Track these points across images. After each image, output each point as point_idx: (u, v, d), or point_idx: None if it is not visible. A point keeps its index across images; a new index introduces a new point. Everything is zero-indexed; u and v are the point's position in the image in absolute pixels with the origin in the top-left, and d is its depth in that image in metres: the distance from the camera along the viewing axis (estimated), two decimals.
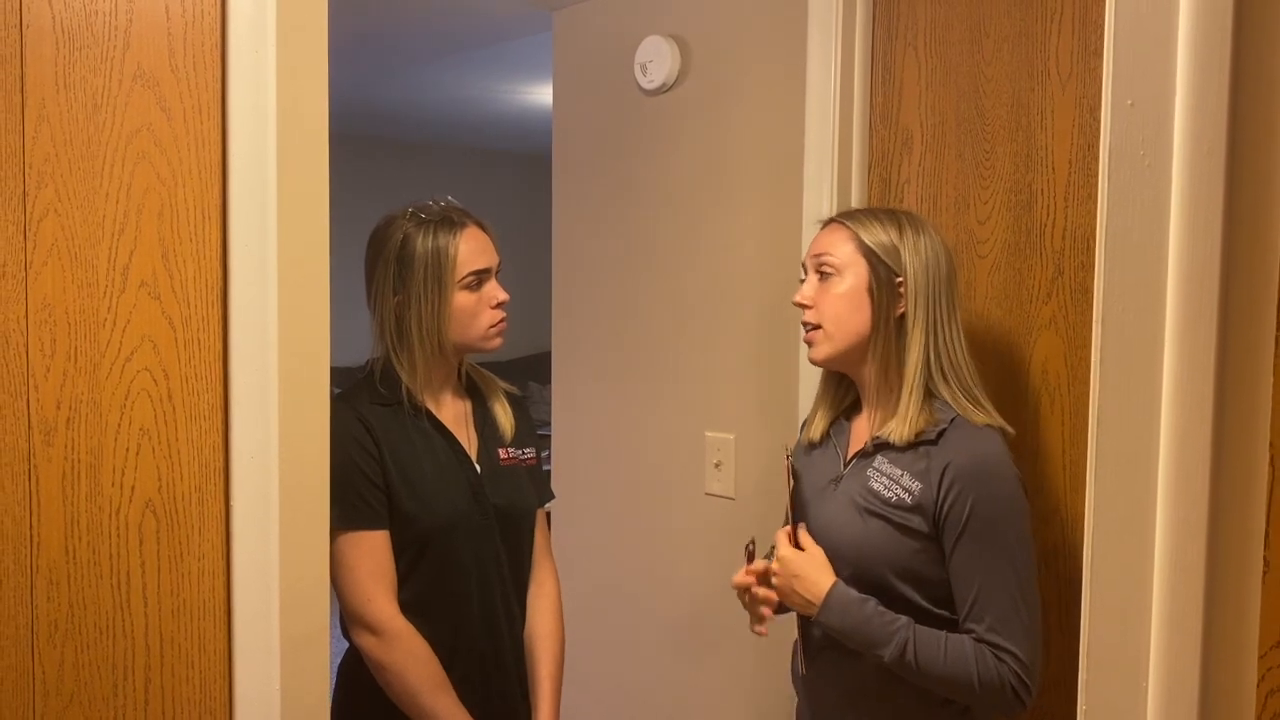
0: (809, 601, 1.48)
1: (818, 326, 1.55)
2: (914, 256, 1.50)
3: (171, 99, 1.23)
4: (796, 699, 1.72)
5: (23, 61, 1.16)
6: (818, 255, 1.55)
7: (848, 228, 1.54)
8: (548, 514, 1.91)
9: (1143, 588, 0.79)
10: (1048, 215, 1.69)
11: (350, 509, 1.60)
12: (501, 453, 1.77)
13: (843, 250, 1.52)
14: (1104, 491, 0.81)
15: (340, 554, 1.60)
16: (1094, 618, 0.82)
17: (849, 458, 1.59)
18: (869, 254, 1.51)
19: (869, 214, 1.56)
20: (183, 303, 1.25)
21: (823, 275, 1.54)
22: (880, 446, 1.52)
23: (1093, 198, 1.63)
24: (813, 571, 1.48)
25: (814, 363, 1.59)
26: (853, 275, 1.51)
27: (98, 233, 1.20)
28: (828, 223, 1.60)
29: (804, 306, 1.56)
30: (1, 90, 1.15)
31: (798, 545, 1.55)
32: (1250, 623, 0.76)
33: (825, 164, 1.93)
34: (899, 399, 1.50)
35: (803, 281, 1.59)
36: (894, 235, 1.51)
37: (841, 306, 1.52)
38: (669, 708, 2.34)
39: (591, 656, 2.44)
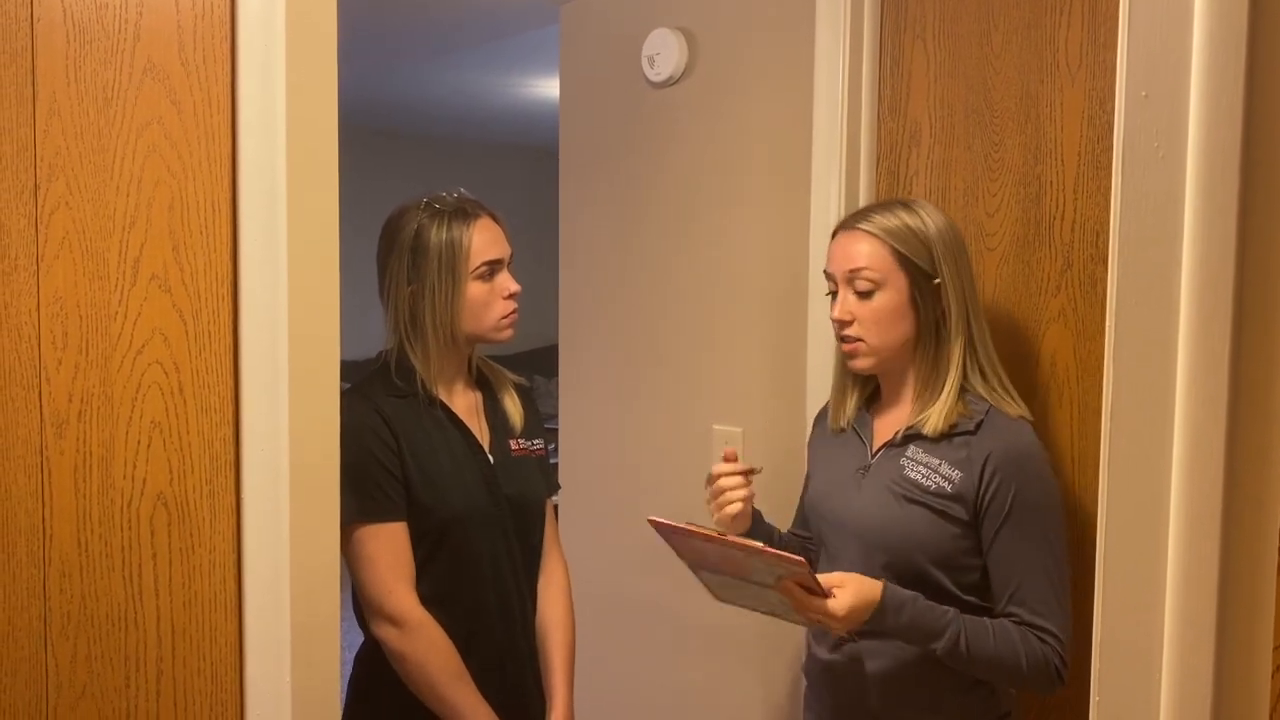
0: (866, 618, 1.42)
1: (859, 339, 1.53)
2: (945, 254, 1.49)
3: (181, 92, 1.23)
4: (805, 685, 1.72)
5: (34, 54, 1.16)
6: (854, 271, 1.51)
7: (877, 237, 1.51)
8: (555, 506, 1.92)
9: (1156, 579, 0.79)
10: (1057, 208, 1.69)
11: (369, 501, 1.60)
12: (512, 444, 1.78)
13: (880, 264, 1.50)
14: (1117, 483, 0.81)
15: (359, 546, 1.61)
16: (1107, 608, 0.82)
17: (876, 448, 1.59)
18: (907, 264, 1.50)
19: (888, 215, 1.52)
20: (193, 296, 1.25)
21: (858, 288, 1.52)
22: (912, 437, 1.53)
23: (1102, 190, 1.63)
24: (861, 594, 1.40)
25: (858, 371, 1.59)
26: (894, 288, 1.50)
27: (109, 226, 1.21)
28: (850, 229, 1.55)
29: (844, 322, 1.54)
30: (13, 84, 1.15)
31: (823, 592, 1.39)
32: (1264, 613, 0.76)
33: (833, 156, 1.92)
34: (940, 393, 1.51)
35: (831, 293, 1.57)
36: (923, 235, 1.50)
37: (885, 320, 1.51)
38: (676, 700, 2.35)
39: (598, 649, 2.44)
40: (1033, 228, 1.72)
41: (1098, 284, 1.64)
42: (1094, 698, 0.83)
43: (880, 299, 1.51)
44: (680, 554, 1.49)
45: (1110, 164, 1.59)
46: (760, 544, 1.36)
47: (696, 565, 1.50)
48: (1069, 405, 1.68)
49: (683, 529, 1.41)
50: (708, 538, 1.39)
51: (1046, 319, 1.70)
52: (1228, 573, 0.76)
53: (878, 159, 1.94)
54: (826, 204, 1.93)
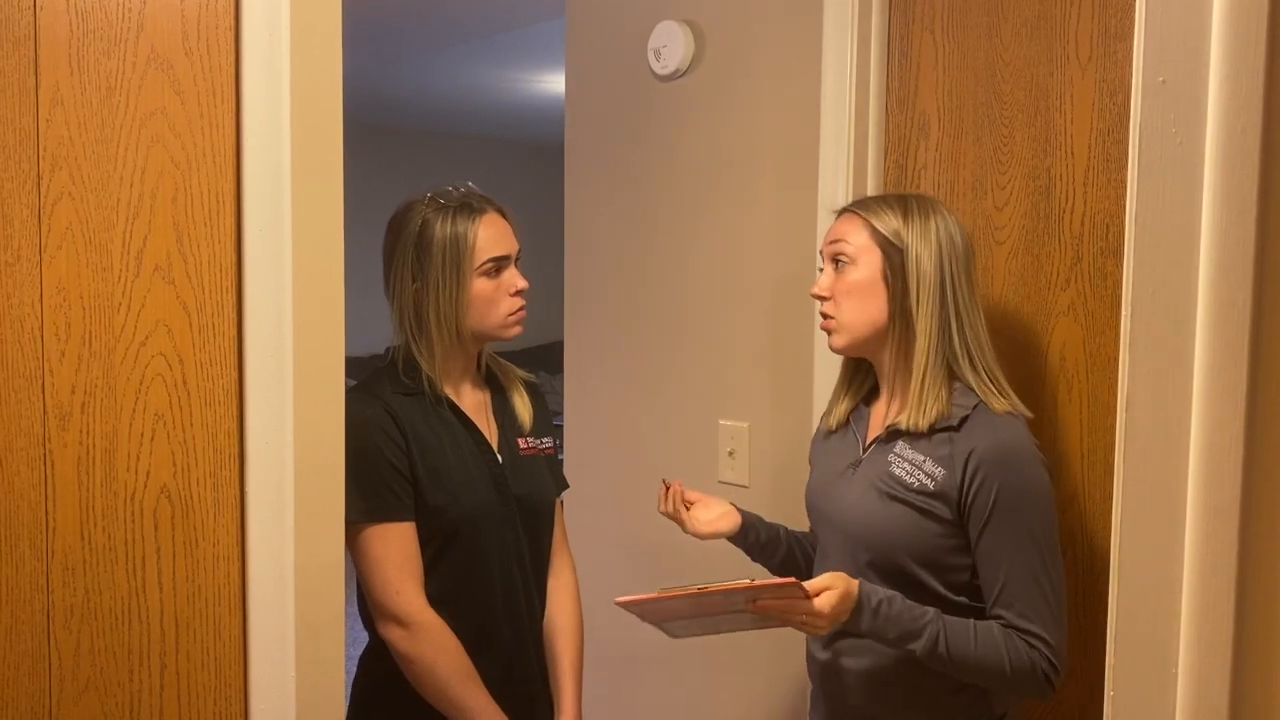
0: (846, 617, 1.40)
1: (832, 316, 1.55)
2: (922, 241, 1.48)
3: (185, 82, 1.22)
4: (812, 686, 1.71)
5: (36, 43, 1.15)
6: (833, 244, 1.55)
7: (860, 216, 1.54)
8: (561, 504, 1.90)
9: (1172, 573, 0.77)
10: (1066, 201, 1.67)
11: (377, 501, 1.58)
12: (521, 443, 1.76)
13: (856, 239, 1.53)
14: (1133, 476, 0.80)
15: (367, 547, 1.58)
16: (1122, 603, 0.81)
17: (868, 443, 1.58)
18: (882, 241, 1.51)
19: (880, 200, 1.55)
20: (197, 288, 1.24)
21: (838, 264, 1.54)
22: (898, 433, 1.51)
23: (1112, 183, 1.61)
24: (841, 591, 1.37)
25: (834, 351, 1.59)
26: (866, 264, 1.51)
27: (112, 217, 1.20)
28: (842, 212, 1.60)
29: (821, 298, 1.56)
30: (15, 73, 1.14)
31: (806, 595, 1.37)
32: None
33: (841, 149, 1.91)
34: (910, 381, 1.50)
35: (821, 271, 1.60)
36: (902, 220, 1.51)
37: (857, 296, 1.52)
38: (681, 699, 2.34)
39: (603, 647, 2.44)
40: (1042, 221, 1.70)
41: (1108, 277, 1.63)
42: (1109, 693, 0.82)
43: (853, 273, 1.52)
44: (645, 618, 1.44)
45: (1121, 157, 1.59)
46: (746, 581, 1.34)
47: (663, 620, 1.45)
48: (1078, 400, 1.67)
49: (658, 598, 1.38)
50: (689, 595, 1.36)
51: (1056, 313, 1.69)
52: (1246, 566, 0.74)
53: (885, 151, 1.93)
54: (834, 197, 1.92)
